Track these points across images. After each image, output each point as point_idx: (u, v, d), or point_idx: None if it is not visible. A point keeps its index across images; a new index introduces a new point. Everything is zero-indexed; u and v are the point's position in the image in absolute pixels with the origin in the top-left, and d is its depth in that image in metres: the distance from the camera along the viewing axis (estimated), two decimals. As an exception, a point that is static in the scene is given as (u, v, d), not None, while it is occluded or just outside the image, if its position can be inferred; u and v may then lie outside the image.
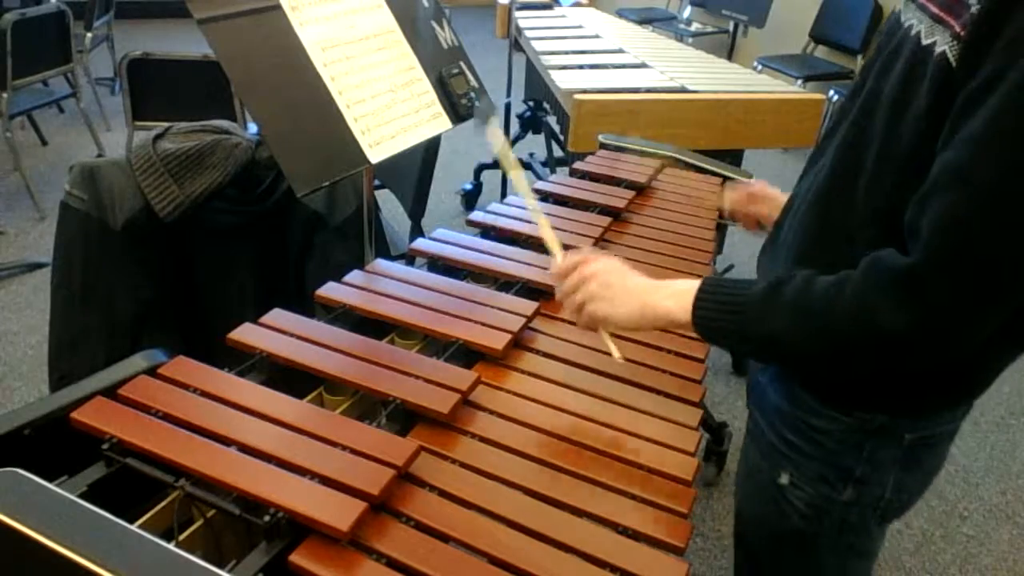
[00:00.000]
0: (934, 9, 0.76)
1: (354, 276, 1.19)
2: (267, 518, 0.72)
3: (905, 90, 0.79)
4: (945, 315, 0.73)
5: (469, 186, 3.77)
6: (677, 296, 0.90)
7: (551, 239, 1.06)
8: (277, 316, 1.05)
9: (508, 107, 3.07)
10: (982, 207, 0.70)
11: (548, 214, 1.47)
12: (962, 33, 0.71)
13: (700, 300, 0.88)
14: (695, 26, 5.69)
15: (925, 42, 0.76)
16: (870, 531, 1.00)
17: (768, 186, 1.30)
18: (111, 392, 0.86)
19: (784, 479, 0.98)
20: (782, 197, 1.27)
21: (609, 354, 0.99)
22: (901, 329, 0.74)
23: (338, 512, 0.73)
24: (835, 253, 0.86)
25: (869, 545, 1.03)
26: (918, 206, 0.75)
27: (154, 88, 2.95)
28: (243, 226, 1.77)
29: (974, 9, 0.70)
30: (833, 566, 1.03)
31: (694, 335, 0.90)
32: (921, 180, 0.76)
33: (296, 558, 0.70)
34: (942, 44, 0.73)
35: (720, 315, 0.87)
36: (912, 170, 0.78)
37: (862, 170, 0.84)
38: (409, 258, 1.34)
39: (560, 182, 1.62)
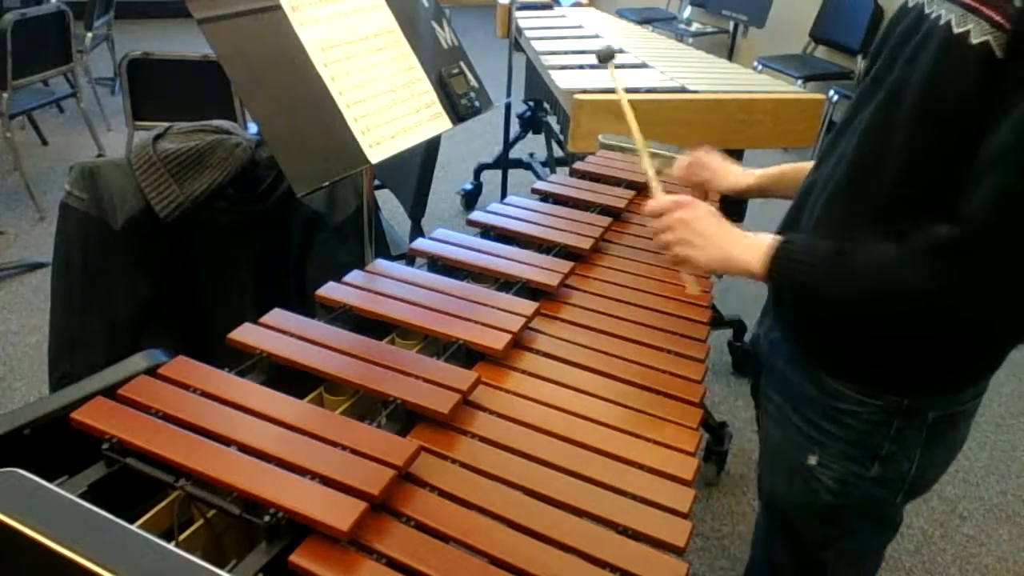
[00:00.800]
0: (968, 0, 0.80)
1: (354, 276, 1.19)
2: (267, 518, 0.72)
3: (936, 77, 0.83)
4: (1008, 285, 0.78)
5: (469, 186, 3.77)
6: (755, 250, 0.96)
7: (653, 177, 1.16)
8: (277, 316, 1.05)
9: (508, 107, 3.07)
10: None
11: (547, 214, 1.47)
12: (1006, 24, 0.75)
13: (776, 256, 0.93)
14: (695, 26, 5.69)
15: (957, 31, 0.80)
16: (896, 504, 1.05)
17: (711, 153, 1.35)
18: (111, 392, 0.86)
19: (812, 460, 1.04)
20: (723, 164, 1.34)
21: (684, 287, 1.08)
22: (985, 308, 0.80)
23: (338, 512, 0.72)
24: (863, 235, 0.90)
25: (895, 515, 1.09)
26: (970, 186, 0.79)
27: (154, 88, 2.94)
28: (243, 226, 1.77)
29: (1018, 2, 0.75)
30: (861, 535, 1.09)
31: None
32: (953, 163, 0.81)
33: (296, 558, 0.70)
34: (981, 34, 0.78)
35: (791, 270, 0.92)
36: (949, 156, 0.82)
37: (888, 155, 0.88)
38: (409, 258, 1.34)
39: (560, 182, 1.63)
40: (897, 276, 0.84)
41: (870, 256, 0.87)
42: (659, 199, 1.07)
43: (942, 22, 0.82)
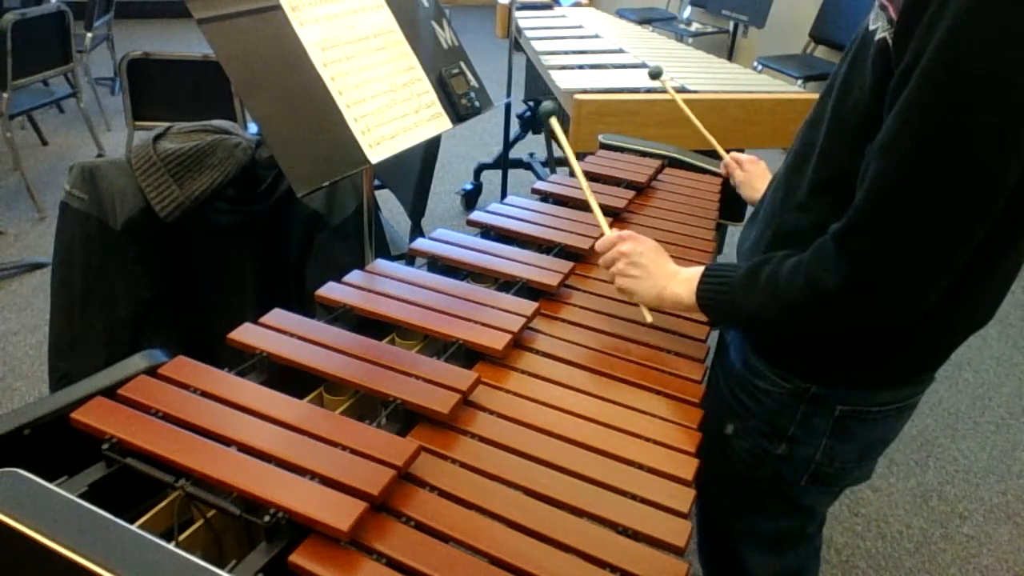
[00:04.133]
0: None
1: (354, 276, 1.19)
2: (267, 518, 0.72)
3: (851, 71, 0.87)
4: (870, 271, 0.81)
5: (469, 186, 3.77)
6: (686, 282, 1.03)
7: (599, 214, 1.21)
8: (277, 316, 1.05)
9: (508, 107, 3.07)
10: (901, 173, 0.77)
11: (547, 214, 1.47)
12: (896, 18, 0.78)
13: (700, 284, 1.01)
14: (695, 26, 5.69)
15: (871, 27, 0.84)
16: (803, 487, 1.09)
17: (755, 161, 1.48)
18: (111, 392, 0.86)
19: (729, 429, 1.11)
20: (760, 172, 1.46)
21: (643, 319, 1.12)
22: (834, 287, 0.83)
23: (338, 512, 0.73)
24: (792, 222, 0.95)
25: (803, 499, 1.13)
26: (859, 181, 0.82)
27: (154, 88, 2.95)
28: (243, 226, 1.77)
29: None
30: (770, 514, 1.15)
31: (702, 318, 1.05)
32: (857, 155, 0.84)
33: (296, 558, 0.70)
34: (882, 30, 0.80)
35: (714, 297, 0.99)
36: (857, 145, 0.85)
37: (815, 145, 0.92)
38: (409, 258, 1.34)
39: (560, 182, 1.62)
40: (787, 286, 0.88)
41: (772, 272, 0.91)
42: (607, 234, 1.14)
43: (867, 19, 0.87)
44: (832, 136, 0.89)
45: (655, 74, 1.72)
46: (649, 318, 1.10)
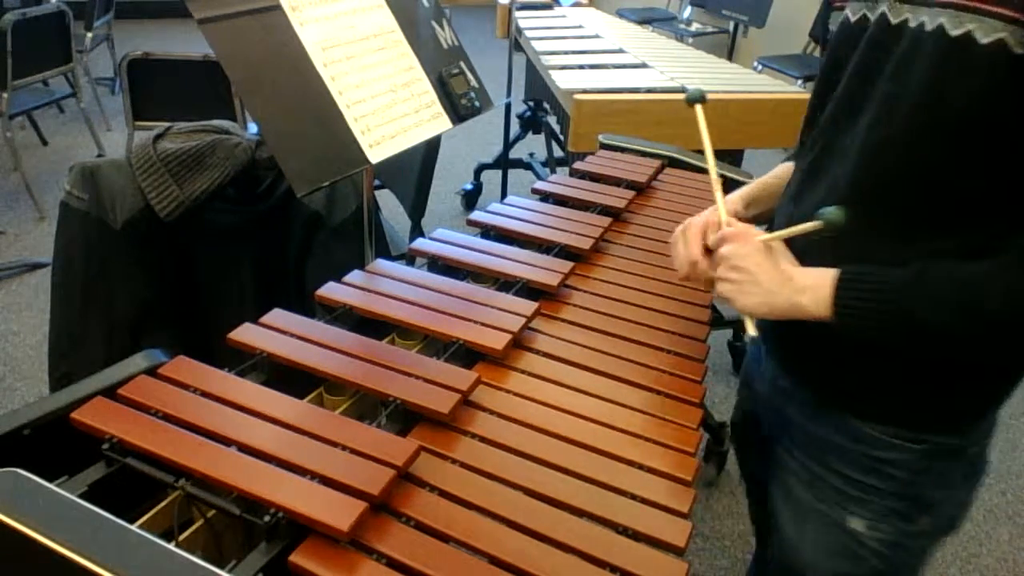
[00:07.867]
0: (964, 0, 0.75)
1: (354, 276, 1.19)
2: (267, 518, 0.72)
3: (937, 87, 0.77)
4: None
5: (469, 186, 3.77)
6: (811, 290, 0.86)
7: (721, 204, 1.04)
8: (277, 316, 1.05)
9: (508, 107, 3.06)
10: None
11: (547, 214, 1.47)
12: (1019, 17, 0.71)
13: (841, 290, 0.84)
14: (695, 26, 5.69)
15: (954, 33, 0.74)
16: (935, 548, 0.98)
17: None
18: (111, 392, 0.86)
19: (856, 523, 0.94)
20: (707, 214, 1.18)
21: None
22: None
23: (338, 512, 0.73)
24: (889, 257, 0.83)
25: (929, 559, 1.01)
26: None
27: (154, 88, 2.95)
28: (243, 226, 1.77)
29: None
30: None
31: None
32: (977, 167, 0.76)
33: (296, 558, 0.70)
34: (992, 32, 0.72)
35: (863, 304, 0.82)
36: (971, 163, 0.77)
37: (888, 174, 0.82)
38: (409, 258, 1.34)
39: (560, 182, 1.62)
40: (981, 291, 0.77)
41: (952, 274, 0.79)
42: (722, 230, 0.98)
43: (929, 28, 0.77)
44: (920, 164, 0.80)
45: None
46: (753, 331, 0.94)
